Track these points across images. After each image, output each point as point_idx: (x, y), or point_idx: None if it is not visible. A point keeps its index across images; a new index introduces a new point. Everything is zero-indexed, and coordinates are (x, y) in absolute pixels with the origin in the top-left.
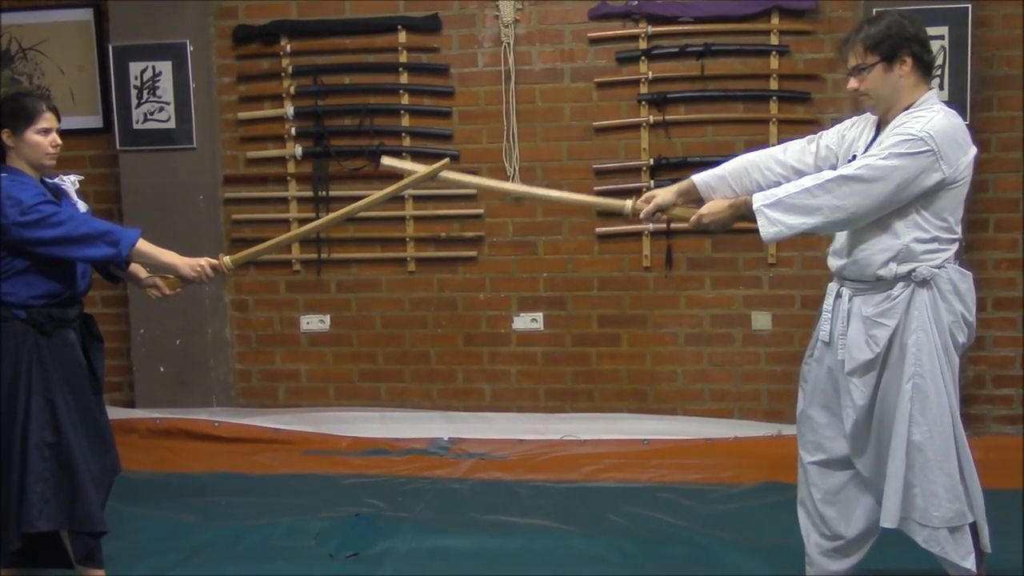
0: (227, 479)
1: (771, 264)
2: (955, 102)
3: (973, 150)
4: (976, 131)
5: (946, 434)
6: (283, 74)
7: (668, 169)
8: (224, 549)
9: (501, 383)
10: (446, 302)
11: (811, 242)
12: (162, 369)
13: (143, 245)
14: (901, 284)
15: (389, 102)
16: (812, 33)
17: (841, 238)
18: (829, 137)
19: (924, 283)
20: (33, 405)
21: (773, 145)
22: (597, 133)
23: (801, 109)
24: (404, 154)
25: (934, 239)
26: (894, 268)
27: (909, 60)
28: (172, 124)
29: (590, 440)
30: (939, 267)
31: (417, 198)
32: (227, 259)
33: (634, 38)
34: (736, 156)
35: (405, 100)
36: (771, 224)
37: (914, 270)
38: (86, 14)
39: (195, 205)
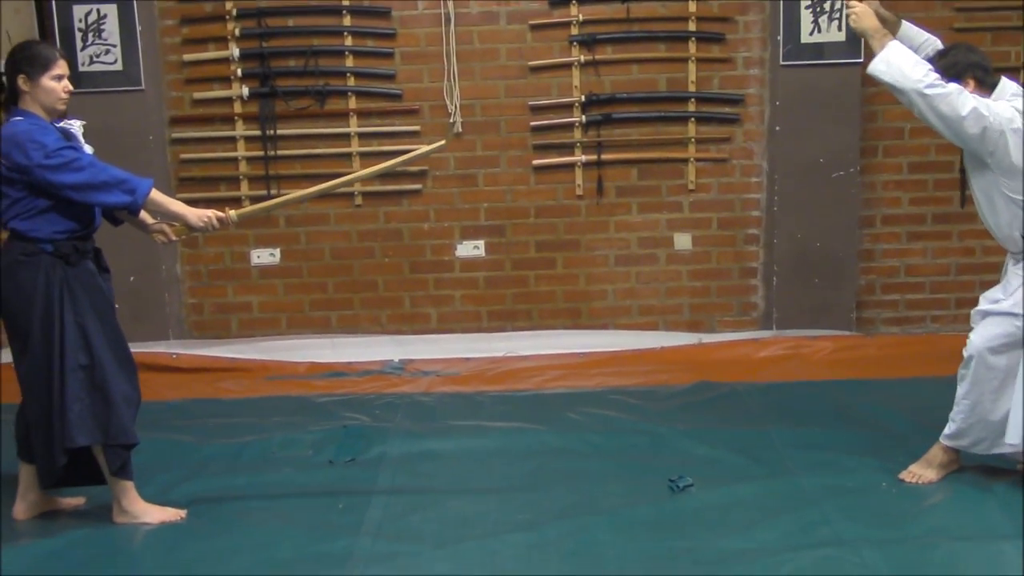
0: (201, 404)
1: (691, 190)
2: (850, 41)
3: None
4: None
5: None
6: (227, 16)
7: (598, 105)
8: (227, 462)
9: (446, 307)
10: (392, 233)
11: (726, 169)
12: (117, 306)
13: (155, 194)
14: None
15: (333, 43)
16: None
17: None
18: None
19: None
20: (67, 331)
21: (690, 81)
22: (532, 72)
23: (716, 48)
24: (349, 94)
25: None
26: None
27: (972, 82)
28: (119, 66)
29: (531, 355)
30: None
31: (363, 136)
32: (233, 213)
33: None
34: (657, 94)
35: (349, 42)
36: (883, 61)
37: None
38: None
39: (144, 145)
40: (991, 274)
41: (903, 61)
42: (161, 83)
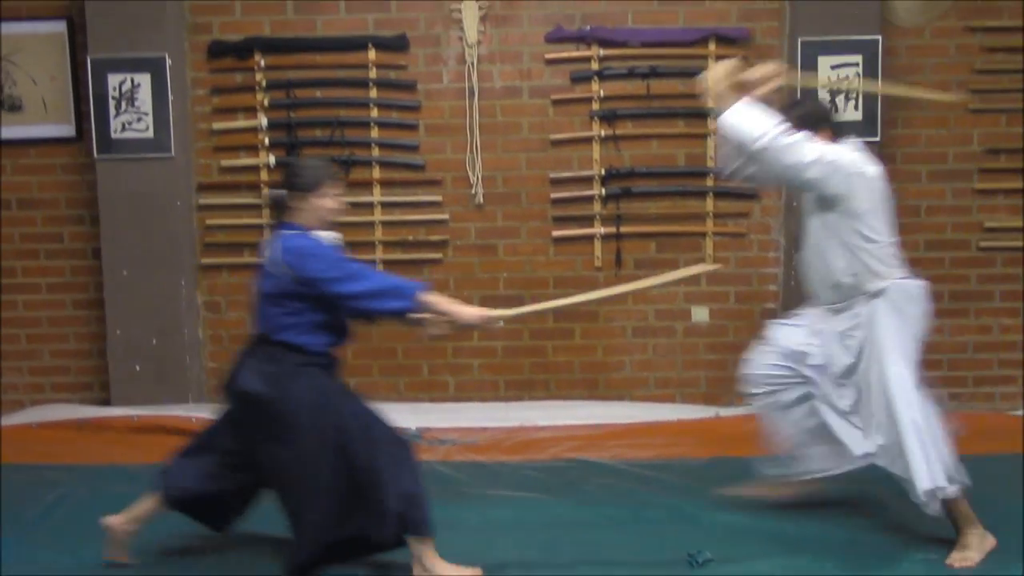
0: None
1: None
2: (867, 120)
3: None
4: (884, 146)
5: None
6: (257, 87)
7: (617, 178)
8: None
9: (464, 375)
10: None
11: (744, 244)
12: (138, 368)
13: (427, 296)
14: None
15: (359, 115)
16: (745, 59)
17: None
18: None
19: None
20: (353, 434)
21: (709, 157)
22: (553, 145)
23: None
24: (373, 164)
25: None
26: None
27: (825, 133)
28: (150, 134)
29: (547, 426)
30: None
31: (385, 205)
32: (500, 313)
33: (587, 60)
34: (678, 167)
35: (374, 113)
36: (735, 111)
37: None
38: (59, 26)
39: (172, 211)
40: (1009, 352)
41: (754, 113)
42: (190, 150)
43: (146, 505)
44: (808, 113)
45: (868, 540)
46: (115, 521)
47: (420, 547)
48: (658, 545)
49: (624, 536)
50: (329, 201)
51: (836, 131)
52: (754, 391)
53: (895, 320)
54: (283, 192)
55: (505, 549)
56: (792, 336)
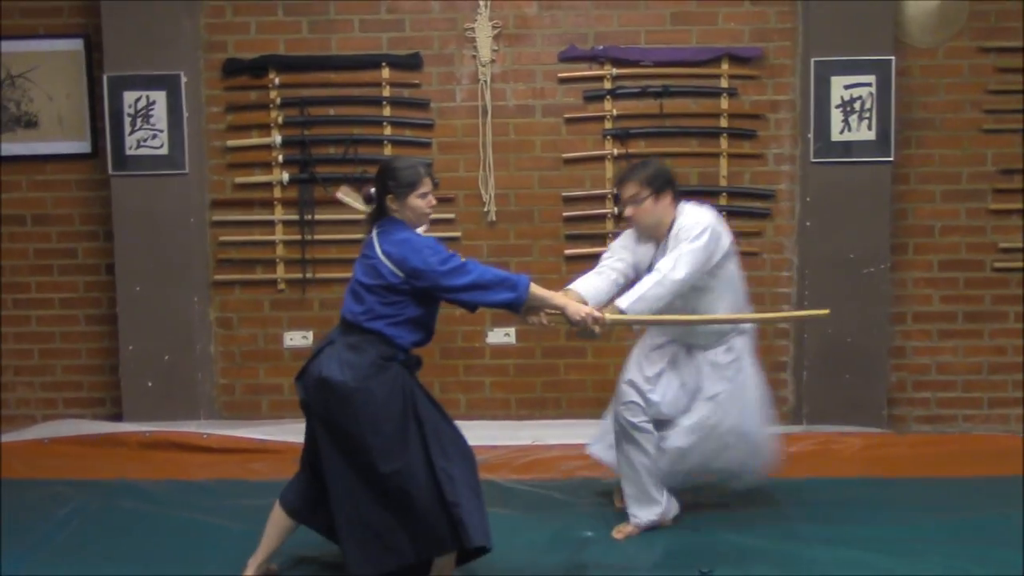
0: (230, 485)
1: None
2: (880, 141)
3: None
4: (898, 166)
5: None
6: (271, 105)
7: None
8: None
9: (476, 393)
10: None
11: (757, 263)
12: (150, 384)
13: (535, 288)
14: None
15: (372, 133)
16: (758, 78)
17: None
18: (620, 254)
19: None
20: (429, 435)
21: (722, 176)
22: (566, 164)
23: (747, 145)
24: None
25: None
26: None
27: (670, 195)
28: (165, 150)
29: (559, 444)
30: None
31: None
32: (608, 316)
33: (600, 79)
34: (690, 188)
35: (388, 131)
36: (638, 313)
37: None
38: (76, 44)
39: (184, 227)
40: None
41: (642, 289)
42: (204, 167)
43: (269, 533)
44: (654, 175)
45: (879, 561)
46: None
47: (444, 565)
48: (671, 563)
49: (636, 553)
50: (424, 200)
51: (676, 194)
52: None
53: None
54: (377, 192)
55: (517, 567)
56: None
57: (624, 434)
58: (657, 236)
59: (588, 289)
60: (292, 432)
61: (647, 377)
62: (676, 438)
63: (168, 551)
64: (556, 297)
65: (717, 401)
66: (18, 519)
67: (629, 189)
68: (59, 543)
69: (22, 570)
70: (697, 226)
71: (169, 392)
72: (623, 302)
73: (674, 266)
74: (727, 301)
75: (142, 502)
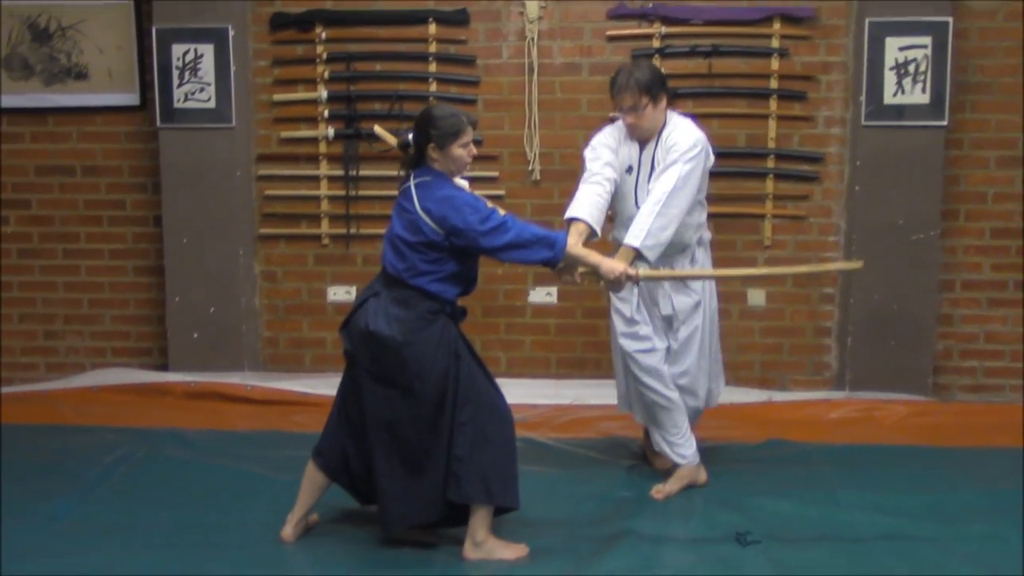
0: (273, 436)
1: (766, 247)
2: (934, 105)
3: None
4: (951, 131)
5: None
6: (317, 60)
7: None
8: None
9: (516, 352)
10: None
11: (803, 227)
12: (195, 335)
13: (571, 247)
14: None
15: (418, 89)
16: (809, 38)
17: None
18: (607, 157)
19: None
20: (461, 386)
21: (770, 138)
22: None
23: (798, 107)
24: None
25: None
26: None
27: (664, 97)
28: (212, 104)
29: (599, 404)
30: None
31: None
32: (642, 272)
33: (648, 37)
34: (737, 150)
35: (433, 88)
36: (652, 250)
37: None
38: None
39: (231, 180)
40: None
41: (646, 223)
42: (251, 121)
43: (304, 489)
44: (650, 81)
45: (920, 530)
46: (287, 533)
47: (477, 522)
48: (708, 524)
49: (673, 514)
50: (465, 150)
51: (671, 96)
52: None
53: None
54: (416, 140)
55: (554, 525)
56: None
57: (639, 381)
58: (649, 137)
59: (594, 214)
60: (334, 386)
61: (628, 319)
62: (680, 361)
63: (211, 498)
64: (591, 255)
65: (695, 313)
66: (67, 465)
67: (628, 99)
68: (106, 489)
69: (72, 514)
70: (693, 147)
71: (214, 343)
72: (634, 240)
73: (672, 192)
74: (699, 214)
75: (187, 450)
